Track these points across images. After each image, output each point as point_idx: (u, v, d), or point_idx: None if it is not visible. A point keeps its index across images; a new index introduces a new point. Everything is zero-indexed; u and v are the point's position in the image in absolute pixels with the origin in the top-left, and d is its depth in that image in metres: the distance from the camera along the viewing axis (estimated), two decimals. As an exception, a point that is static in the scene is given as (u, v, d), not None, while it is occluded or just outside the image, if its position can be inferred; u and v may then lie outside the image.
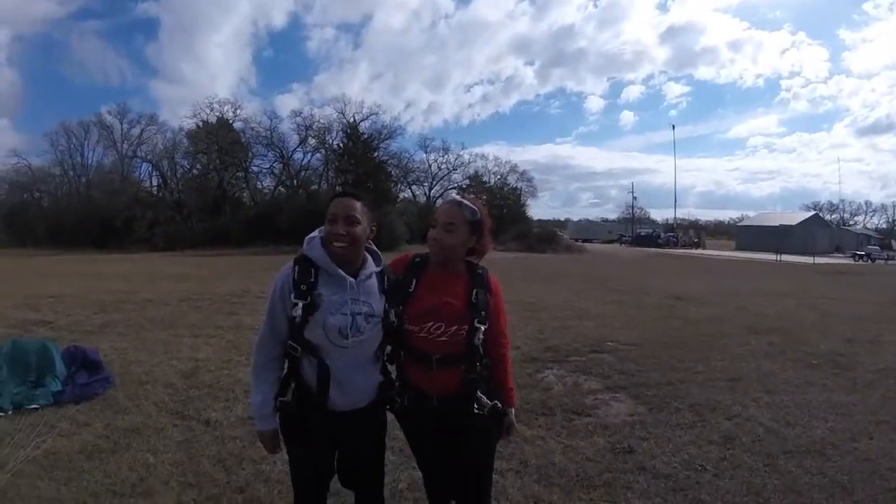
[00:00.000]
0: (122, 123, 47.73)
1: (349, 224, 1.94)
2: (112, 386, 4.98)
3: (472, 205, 2.12)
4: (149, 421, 4.22)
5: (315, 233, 2.04)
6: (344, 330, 1.93)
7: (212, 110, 46.01)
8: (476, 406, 2.03)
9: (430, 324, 2.03)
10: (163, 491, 3.14)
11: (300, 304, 1.91)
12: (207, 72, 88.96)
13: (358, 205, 1.98)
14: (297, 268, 1.96)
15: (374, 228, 2.05)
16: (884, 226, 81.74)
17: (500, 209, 52.27)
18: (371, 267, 2.04)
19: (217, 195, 44.12)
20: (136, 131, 47.93)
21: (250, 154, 47.33)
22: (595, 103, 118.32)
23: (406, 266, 2.17)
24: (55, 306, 9.96)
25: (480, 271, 2.14)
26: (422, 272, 2.13)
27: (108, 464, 3.46)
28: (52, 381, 4.66)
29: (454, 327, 2.02)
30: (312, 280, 1.94)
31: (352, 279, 1.96)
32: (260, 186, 49.39)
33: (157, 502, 3.02)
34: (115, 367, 5.53)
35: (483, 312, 2.06)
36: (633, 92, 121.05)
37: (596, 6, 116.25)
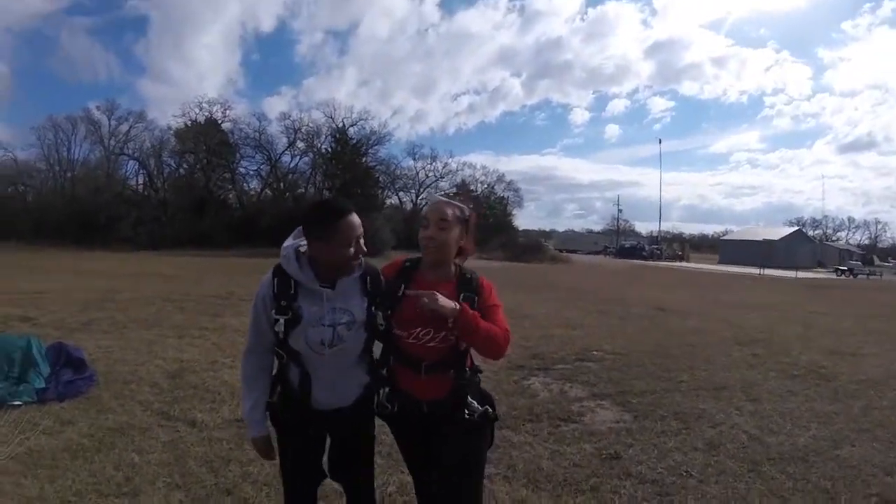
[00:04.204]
0: (109, 120, 47.01)
1: (363, 238, 1.96)
2: (96, 385, 4.93)
3: (461, 203, 2.13)
4: (134, 421, 4.18)
5: (289, 240, 2.00)
6: (327, 341, 1.93)
7: (201, 109, 45.68)
8: (467, 412, 2.02)
9: (419, 329, 2.01)
10: (149, 491, 3.11)
11: (282, 320, 1.91)
12: (195, 72, 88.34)
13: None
14: (276, 280, 1.95)
15: None
16: (866, 241, 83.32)
17: (486, 218, 52.45)
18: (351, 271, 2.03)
19: (203, 195, 43.72)
20: (123, 128, 47.23)
21: (238, 155, 47.04)
22: (580, 116, 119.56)
23: (396, 271, 2.15)
24: (39, 302, 9.85)
25: (470, 276, 2.12)
26: (411, 277, 2.11)
27: (93, 463, 3.42)
28: (36, 378, 4.60)
29: (443, 332, 1.99)
30: (292, 292, 1.93)
31: (329, 290, 1.94)
32: (246, 188, 49.00)
33: (143, 503, 2.99)
34: (100, 366, 5.47)
35: None
36: (618, 105, 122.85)
37: (583, 20, 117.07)
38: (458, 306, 1.93)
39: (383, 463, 3.36)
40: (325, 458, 2.09)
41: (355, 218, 1.93)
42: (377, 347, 2.13)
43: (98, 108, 47.49)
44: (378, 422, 2.17)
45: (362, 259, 2.05)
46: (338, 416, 2.02)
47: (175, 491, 3.14)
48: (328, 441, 2.09)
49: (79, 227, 37.27)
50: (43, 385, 4.59)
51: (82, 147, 47.03)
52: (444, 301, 1.91)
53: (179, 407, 4.52)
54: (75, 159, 47.02)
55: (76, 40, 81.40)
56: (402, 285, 2.08)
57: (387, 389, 2.09)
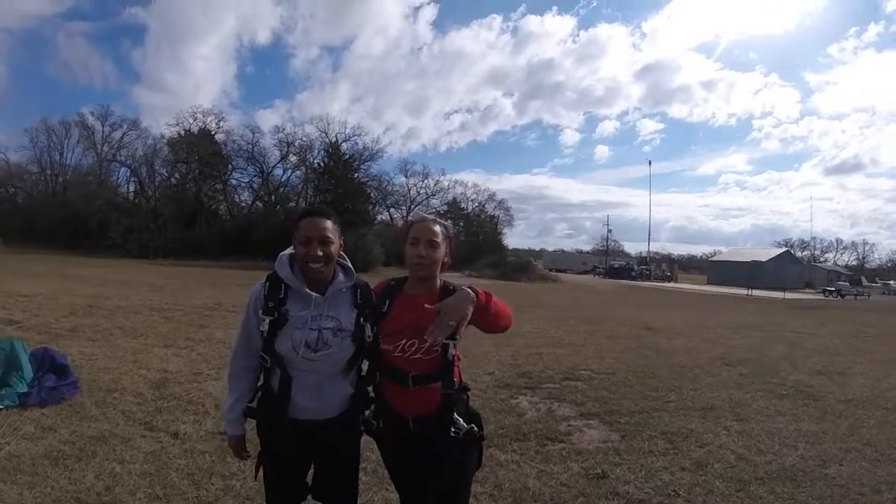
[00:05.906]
0: (103, 126, 47.35)
1: (324, 245, 1.97)
2: (79, 392, 4.87)
3: (442, 221, 2.16)
4: (116, 430, 4.13)
5: (287, 250, 2.07)
6: (311, 343, 1.96)
7: (195, 120, 45.78)
8: (452, 429, 2.01)
9: (404, 341, 2.02)
10: (130, 501, 3.07)
11: (267, 320, 1.96)
12: (190, 82, 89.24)
13: (329, 224, 2.01)
14: (268, 284, 2.01)
15: (342, 242, 2.09)
16: (854, 262, 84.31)
17: (476, 236, 52.69)
18: (341, 282, 2.06)
19: (194, 206, 43.67)
20: (117, 135, 47.60)
21: (230, 167, 47.11)
22: (571, 136, 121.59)
23: (382, 290, 2.18)
24: (25, 306, 9.82)
25: (452, 287, 2.12)
26: (396, 294, 2.14)
27: (74, 471, 3.37)
28: (19, 382, 4.54)
29: (427, 344, 2.00)
30: (282, 296, 1.99)
31: (317, 295, 1.99)
32: (237, 200, 49.17)
33: (123, 513, 2.95)
34: (84, 373, 5.41)
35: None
36: (608, 127, 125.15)
37: (575, 42, 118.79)
38: (471, 293, 1.97)
39: (368, 480, 3.33)
40: (310, 476, 2.10)
41: (318, 220, 2.00)
42: (364, 366, 2.13)
43: (92, 113, 47.87)
44: (364, 438, 2.16)
45: (352, 272, 2.10)
46: (320, 429, 2.01)
47: (156, 502, 3.10)
48: (311, 462, 2.10)
49: (69, 231, 37.26)
50: (25, 389, 4.53)
51: (75, 152, 47.40)
52: (460, 303, 1.94)
53: (162, 418, 4.47)
54: (67, 164, 47.36)
55: (73, 44, 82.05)
56: (387, 301, 2.11)
57: (374, 407, 2.10)
